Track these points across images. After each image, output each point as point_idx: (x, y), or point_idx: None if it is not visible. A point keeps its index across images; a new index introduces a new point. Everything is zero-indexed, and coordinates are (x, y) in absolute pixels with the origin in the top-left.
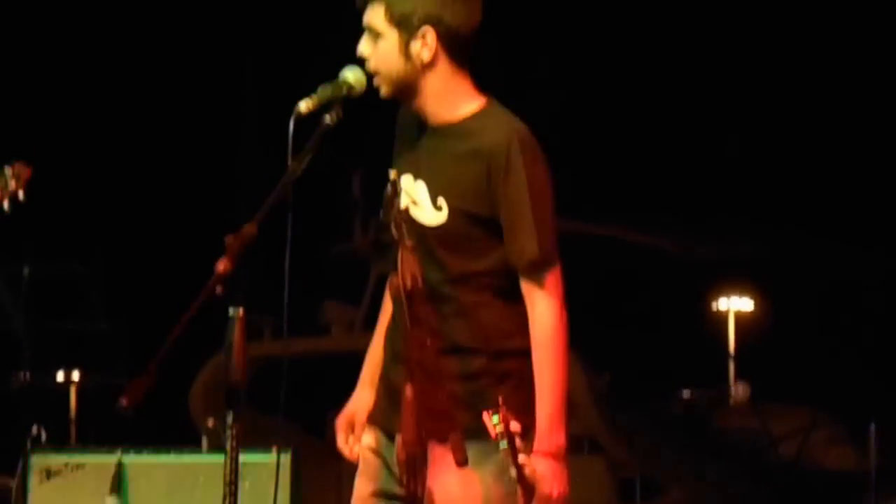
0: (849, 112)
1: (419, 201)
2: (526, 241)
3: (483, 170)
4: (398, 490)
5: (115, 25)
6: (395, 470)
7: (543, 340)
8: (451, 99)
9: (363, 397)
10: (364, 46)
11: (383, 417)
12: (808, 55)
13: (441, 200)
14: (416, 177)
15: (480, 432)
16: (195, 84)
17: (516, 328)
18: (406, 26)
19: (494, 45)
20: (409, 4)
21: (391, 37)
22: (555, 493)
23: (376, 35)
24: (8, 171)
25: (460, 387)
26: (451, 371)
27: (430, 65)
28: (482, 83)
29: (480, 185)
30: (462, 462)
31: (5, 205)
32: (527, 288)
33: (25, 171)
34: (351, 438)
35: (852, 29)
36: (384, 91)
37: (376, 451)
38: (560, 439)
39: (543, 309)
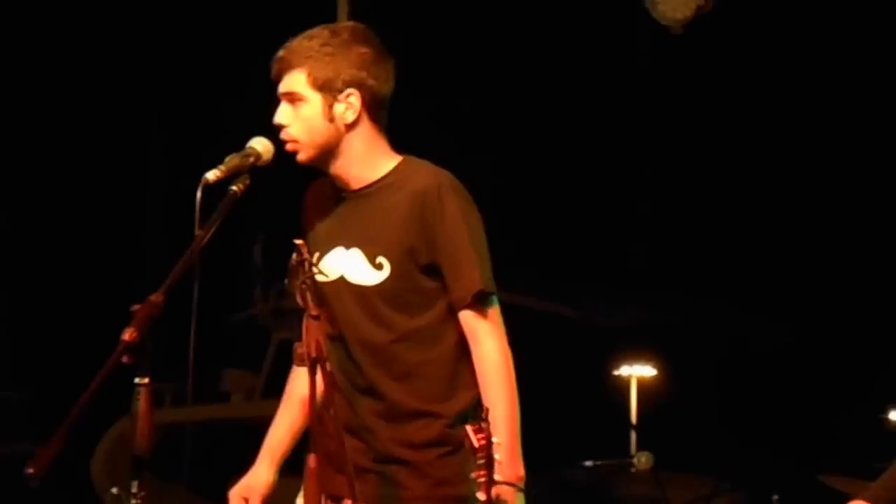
0: (742, 178)
1: (356, 267)
2: (468, 274)
3: (417, 215)
4: None
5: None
6: None
7: (494, 375)
8: (373, 159)
9: (261, 472)
10: (282, 115)
11: (329, 483)
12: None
13: (381, 259)
14: (347, 246)
15: (430, 502)
16: (102, 151)
17: (463, 385)
18: (329, 90)
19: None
20: (331, 69)
21: (314, 101)
22: None
23: (297, 101)
24: None
25: (411, 454)
26: (402, 437)
27: (352, 126)
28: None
29: (416, 232)
30: None
31: None
32: (471, 324)
33: None
34: None
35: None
36: (304, 156)
37: None
38: (520, 469)
39: (491, 344)
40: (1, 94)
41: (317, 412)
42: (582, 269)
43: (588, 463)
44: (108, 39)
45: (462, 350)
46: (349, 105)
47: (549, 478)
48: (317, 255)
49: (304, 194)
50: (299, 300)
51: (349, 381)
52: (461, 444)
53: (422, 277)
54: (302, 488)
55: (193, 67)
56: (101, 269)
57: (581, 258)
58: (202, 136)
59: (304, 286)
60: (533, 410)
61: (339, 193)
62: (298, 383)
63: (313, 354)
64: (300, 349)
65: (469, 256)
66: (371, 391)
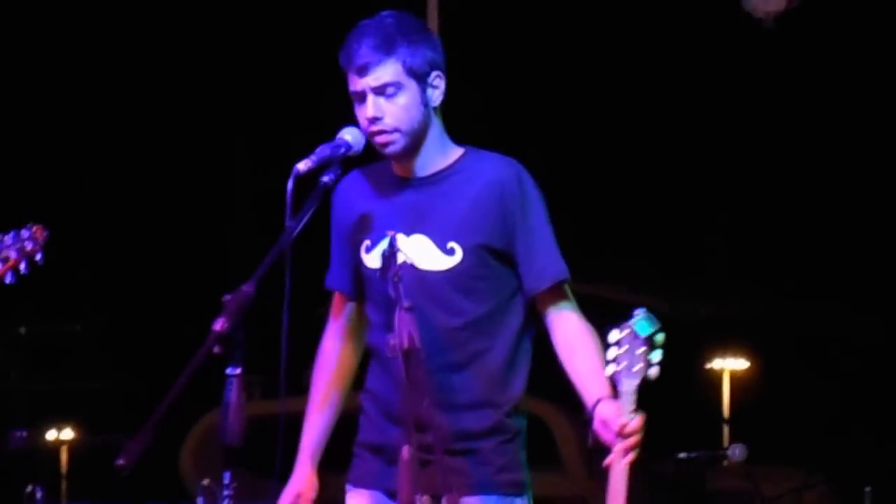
0: (837, 173)
1: (424, 253)
2: (550, 261)
3: (496, 202)
4: None
5: (107, 99)
6: None
7: (593, 340)
8: (444, 146)
9: (306, 475)
10: (377, 108)
11: (379, 478)
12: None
13: (452, 244)
14: (409, 233)
15: (493, 488)
16: (191, 144)
17: (519, 373)
18: (421, 75)
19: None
20: (419, 54)
21: (411, 88)
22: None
23: (392, 91)
24: (25, 233)
25: (472, 443)
26: (462, 426)
27: (435, 111)
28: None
29: (494, 219)
30: None
31: (22, 266)
32: (555, 304)
33: (42, 233)
34: None
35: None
36: (399, 146)
37: None
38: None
39: (576, 316)
40: (98, 95)
41: (412, 403)
42: (673, 263)
43: (681, 456)
44: (193, 39)
45: (519, 339)
46: (436, 88)
47: (643, 471)
48: (366, 242)
49: (337, 188)
50: (391, 292)
51: (398, 371)
52: (517, 431)
53: (494, 264)
54: (350, 482)
55: (276, 62)
56: (192, 260)
57: (671, 252)
58: (290, 127)
59: (395, 278)
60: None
61: (395, 181)
62: (324, 378)
63: (405, 345)
64: (393, 340)
65: (550, 244)
66: (431, 379)
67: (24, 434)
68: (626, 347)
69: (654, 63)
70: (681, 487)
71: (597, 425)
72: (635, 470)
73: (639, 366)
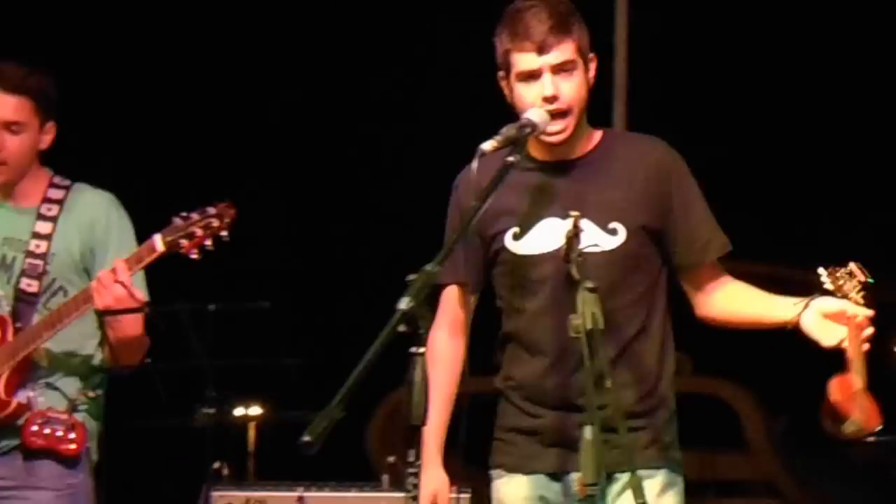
0: None
1: (586, 235)
2: (713, 235)
3: (652, 180)
4: None
5: (289, 72)
6: None
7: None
8: (587, 127)
9: (438, 474)
10: (555, 86)
11: (539, 461)
12: None
13: (615, 224)
14: (564, 216)
15: (663, 463)
16: (376, 126)
17: (671, 348)
18: (586, 55)
19: None
20: (584, 34)
21: (581, 69)
22: None
23: (569, 70)
24: (212, 210)
25: (644, 420)
26: (633, 404)
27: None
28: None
29: (651, 197)
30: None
31: (208, 244)
32: (711, 276)
33: (230, 212)
34: None
35: None
36: (571, 127)
37: (537, 499)
38: None
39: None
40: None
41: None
42: (863, 245)
43: (872, 439)
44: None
45: (666, 316)
46: (592, 70)
47: (835, 454)
48: (514, 229)
49: (459, 178)
50: (574, 273)
51: (565, 354)
52: (674, 409)
53: (650, 243)
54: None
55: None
56: (378, 239)
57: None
58: (475, 106)
59: (579, 258)
60: (815, 385)
61: (538, 165)
62: (442, 374)
63: (589, 325)
64: (576, 320)
65: (708, 219)
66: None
67: (212, 411)
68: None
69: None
70: (870, 471)
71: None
72: (818, 453)
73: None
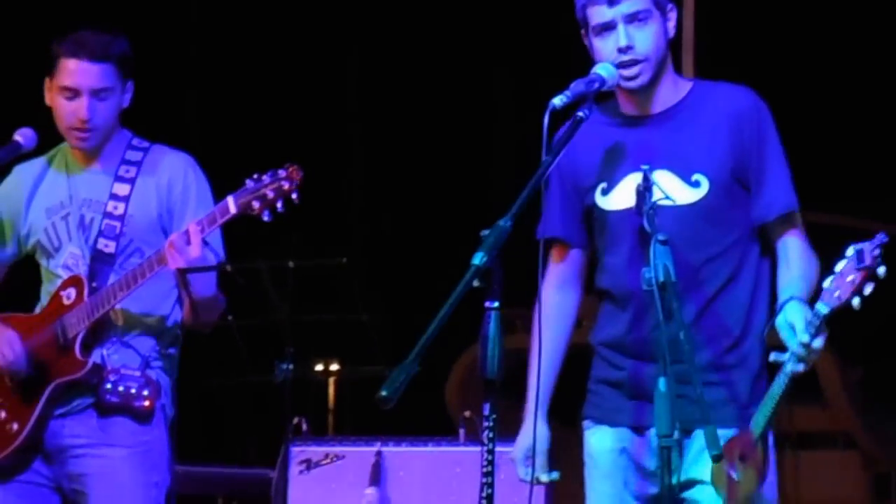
0: None
1: (669, 188)
2: (780, 192)
3: (736, 132)
4: (648, 490)
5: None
6: (647, 464)
7: (804, 252)
8: (675, 79)
9: (540, 431)
10: (628, 37)
11: (625, 414)
12: None
13: (698, 176)
14: (650, 169)
15: (744, 422)
16: (450, 82)
17: (763, 305)
18: (662, 7)
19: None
20: None
21: (656, 18)
22: None
23: (643, 20)
24: (282, 173)
25: (724, 375)
26: (714, 359)
27: (668, 44)
28: None
29: (734, 149)
30: (717, 458)
31: (279, 205)
32: (779, 233)
33: (298, 174)
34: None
35: None
36: (646, 79)
37: (621, 453)
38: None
39: (800, 242)
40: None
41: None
42: None
43: None
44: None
45: (759, 268)
46: (670, 20)
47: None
48: (602, 184)
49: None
50: (646, 225)
51: (648, 307)
52: (763, 364)
53: (737, 192)
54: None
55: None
56: (452, 195)
57: None
58: (547, 62)
59: (651, 211)
60: (891, 337)
61: (625, 120)
62: (552, 330)
63: (661, 279)
64: (648, 274)
65: (783, 175)
66: (684, 311)
67: (291, 367)
68: (840, 269)
69: None
70: None
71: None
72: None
73: (838, 292)
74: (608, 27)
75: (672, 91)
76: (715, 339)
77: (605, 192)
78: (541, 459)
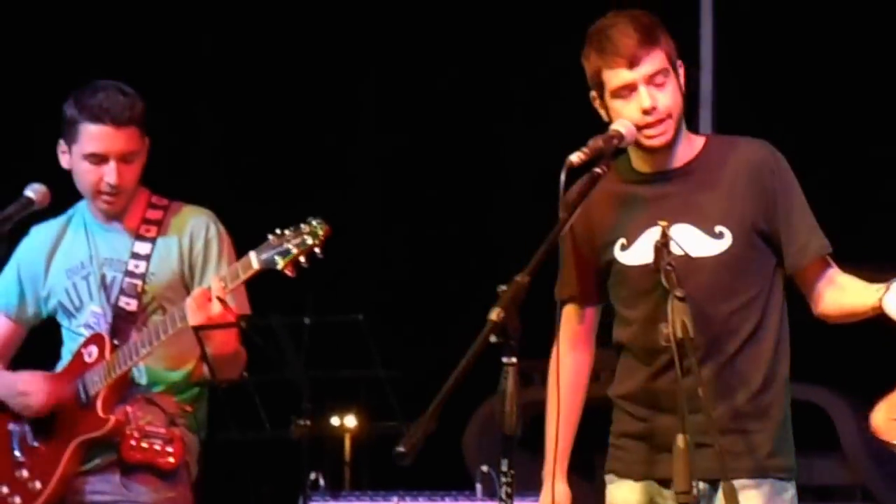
0: None
1: (693, 241)
2: (811, 237)
3: (755, 183)
4: None
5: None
6: None
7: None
8: (688, 134)
9: (561, 490)
10: (652, 98)
11: (649, 467)
12: None
13: (720, 228)
14: (670, 223)
15: (767, 472)
16: (462, 136)
17: (786, 355)
18: (675, 64)
19: None
20: (670, 42)
21: (672, 76)
22: None
23: (663, 79)
24: (305, 228)
25: (747, 425)
26: (736, 410)
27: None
28: None
29: (755, 200)
30: None
31: (303, 260)
32: (817, 276)
33: (324, 228)
34: None
35: None
36: (670, 136)
37: (646, 503)
38: None
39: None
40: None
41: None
42: None
43: None
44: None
45: (782, 318)
46: (682, 76)
47: None
48: (622, 240)
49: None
50: (664, 281)
51: (671, 361)
52: (786, 414)
53: (759, 244)
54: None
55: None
56: (467, 252)
57: None
58: (558, 117)
59: (668, 267)
60: None
61: (640, 177)
62: (569, 390)
63: (679, 335)
64: (666, 330)
65: (811, 220)
66: (706, 365)
67: (308, 422)
68: None
69: None
70: None
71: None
72: None
73: None
74: (628, 89)
75: (687, 147)
76: (736, 389)
77: (624, 248)
78: None
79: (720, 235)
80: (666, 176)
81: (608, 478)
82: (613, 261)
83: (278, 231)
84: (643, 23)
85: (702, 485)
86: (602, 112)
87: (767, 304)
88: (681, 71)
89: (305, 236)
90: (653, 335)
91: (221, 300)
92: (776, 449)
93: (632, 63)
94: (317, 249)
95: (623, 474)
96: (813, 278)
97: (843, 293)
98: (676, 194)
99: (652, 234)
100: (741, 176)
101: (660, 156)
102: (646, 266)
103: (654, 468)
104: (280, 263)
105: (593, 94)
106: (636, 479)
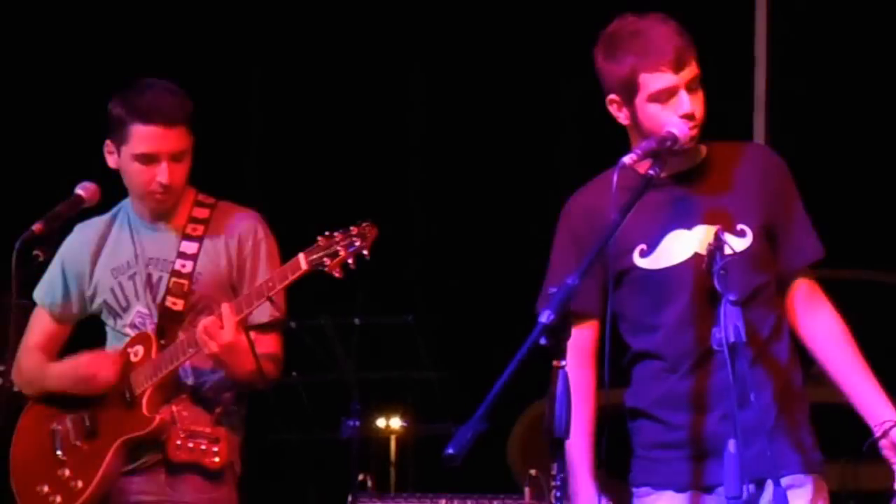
0: None
1: (710, 241)
2: (810, 240)
3: (768, 183)
4: None
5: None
6: None
7: (844, 332)
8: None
9: (588, 490)
10: (689, 104)
11: (694, 476)
12: None
13: (741, 226)
14: (689, 227)
15: (808, 467)
16: (512, 138)
17: (796, 351)
18: (701, 75)
19: None
20: (697, 56)
21: (700, 85)
22: None
23: (695, 86)
24: (354, 230)
25: (785, 423)
26: (775, 409)
27: None
28: None
29: (766, 199)
30: None
31: (350, 262)
32: (810, 287)
33: (372, 231)
34: None
35: None
36: (696, 141)
37: None
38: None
39: (828, 308)
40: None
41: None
42: None
43: None
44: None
45: (785, 316)
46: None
47: None
48: (641, 246)
49: (570, 203)
50: (717, 285)
51: (705, 364)
52: (809, 409)
53: (770, 241)
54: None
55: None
56: (518, 253)
57: None
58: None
59: (722, 272)
60: None
61: (650, 182)
62: (584, 406)
63: (731, 339)
64: (719, 334)
65: (806, 223)
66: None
67: (357, 423)
68: None
69: None
70: None
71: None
72: None
73: None
74: (669, 93)
75: (693, 151)
76: (771, 384)
77: (644, 254)
78: None
79: (742, 233)
80: (678, 178)
81: (642, 490)
82: (632, 268)
83: (327, 233)
84: (678, 25)
85: (752, 486)
86: (621, 116)
87: (779, 298)
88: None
89: (354, 238)
90: (684, 339)
91: (231, 329)
92: (812, 444)
93: (678, 67)
94: (364, 252)
95: (661, 485)
96: (797, 288)
97: (834, 365)
98: (693, 196)
99: (675, 237)
100: (753, 176)
101: (672, 160)
102: (674, 268)
103: (697, 476)
104: (328, 265)
105: (614, 97)
106: (678, 489)
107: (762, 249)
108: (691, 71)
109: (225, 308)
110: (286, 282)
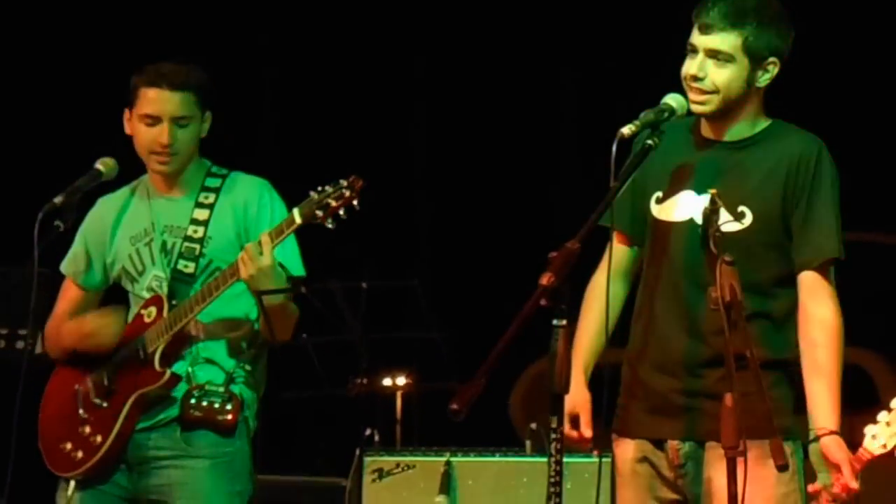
0: None
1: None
2: (826, 238)
3: (791, 174)
4: (671, 495)
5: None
6: (667, 474)
7: (833, 335)
8: (756, 118)
9: (583, 392)
10: (700, 67)
11: (647, 427)
12: None
13: (743, 208)
14: (699, 192)
15: (792, 433)
16: (517, 102)
17: (787, 342)
18: (757, 58)
19: None
20: (764, 39)
21: (741, 65)
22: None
23: (722, 60)
24: (343, 182)
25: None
26: (721, 377)
27: (758, 91)
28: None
29: (785, 190)
30: (783, 467)
31: (342, 213)
32: (815, 284)
33: (359, 182)
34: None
35: None
36: (709, 109)
37: (642, 461)
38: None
39: (832, 306)
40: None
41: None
42: None
43: None
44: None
45: (789, 312)
46: (767, 73)
47: None
48: (657, 193)
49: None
50: (712, 247)
51: (673, 321)
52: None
53: (775, 233)
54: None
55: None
56: (520, 216)
57: None
58: (613, 85)
59: (717, 233)
60: None
61: (701, 140)
62: (599, 310)
63: (727, 299)
64: (715, 293)
65: (831, 223)
66: (696, 334)
67: (364, 381)
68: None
69: None
70: None
71: (813, 459)
72: None
73: (882, 442)
74: (692, 49)
75: (748, 126)
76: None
77: (659, 202)
78: (585, 418)
79: (741, 215)
80: (717, 146)
81: (613, 435)
82: (648, 210)
83: (319, 188)
84: (743, 4)
85: (687, 445)
86: None
87: (775, 295)
88: (769, 67)
89: (343, 190)
90: (672, 295)
91: (268, 254)
92: (796, 407)
93: (703, 29)
94: (354, 202)
95: (621, 433)
96: (807, 287)
97: (807, 365)
98: (717, 165)
99: (684, 196)
100: (782, 165)
101: (715, 125)
102: (672, 224)
103: (647, 428)
104: (320, 217)
105: None
106: (632, 437)
107: (759, 237)
108: (718, 43)
109: (264, 236)
110: (283, 235)
